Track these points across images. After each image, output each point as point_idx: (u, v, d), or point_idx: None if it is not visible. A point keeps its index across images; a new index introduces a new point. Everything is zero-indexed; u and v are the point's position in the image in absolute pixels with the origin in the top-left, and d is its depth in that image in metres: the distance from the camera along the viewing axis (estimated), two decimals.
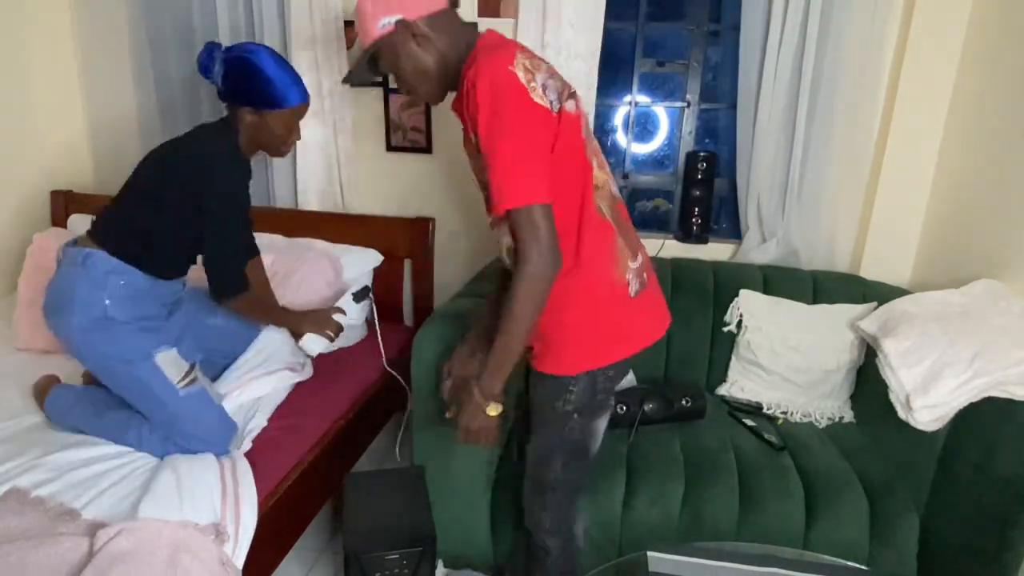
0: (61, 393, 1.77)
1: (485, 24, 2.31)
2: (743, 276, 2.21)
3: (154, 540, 1.33)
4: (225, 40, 2.43)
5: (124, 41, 2.56)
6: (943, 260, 2.14)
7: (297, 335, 1.87)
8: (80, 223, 2.51)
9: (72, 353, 1.68)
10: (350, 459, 2.10)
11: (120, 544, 1.30)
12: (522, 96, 1.24)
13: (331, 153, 2.50)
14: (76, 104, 2.70)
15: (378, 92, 2.48)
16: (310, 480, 1.79)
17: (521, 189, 1.24)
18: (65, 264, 1.65)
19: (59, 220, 2.65)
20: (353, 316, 1.95)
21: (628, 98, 2.54)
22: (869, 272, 2.26)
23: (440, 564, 1.87)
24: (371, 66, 1.41)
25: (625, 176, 2.61)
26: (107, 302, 1.60)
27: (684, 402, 1.96)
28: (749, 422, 1.99)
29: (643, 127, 2.61)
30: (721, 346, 2.18)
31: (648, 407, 1.92)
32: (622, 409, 1.91)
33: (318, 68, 2.38)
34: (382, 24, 1.34)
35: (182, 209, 1.62)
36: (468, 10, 2.34)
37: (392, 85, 2.45)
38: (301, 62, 2.36)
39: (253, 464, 1.63)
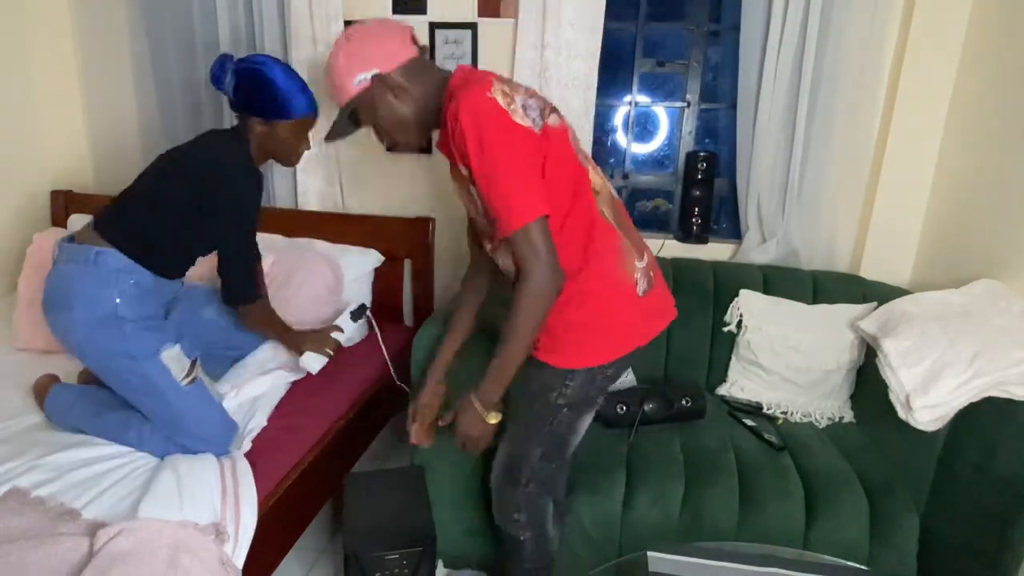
0: (61, 392, 1.77)
1: (486, 24, 2.35)
2: (743, 276, 2.21)
3: (154, 540, 1.33)
4: (225, 40, 2.44)
5: (124, 41, 2.56)
6: (943, 260, 2.14)
7: (297, 353, 1.91)
8: (80, 223, 2.49)
9: (71, 350, 1.68)
10: (350, 459, 2.10)
11: (120, 544, 1.30)
12: (504, 119, 1.29)
13: (331, 153, 2.51)
14: (76, 104, 2.70)
15: None
16: (310, 480, 1.79)
17: (516, 211, 1.28)
18: (66, 261, 1.65)
19: (59, 220, 2.65)
20: (350, 334, 2.01)
21: (628, 98, 2.55)
22: (869, 272, 2.25)
23: (440, 564, 1.87)
24: (351, 121, 1.45)
25: (625, 176, 2.62)
26: (117, 300, 1.60)
27: (684, 402, 1.96)
28: (749, 422, 1.99)
29: (643, 127, 2.61)
30: (721, 346, 2.18)
31: (648, 407, 1.92)
32: (622, 409, 1.91)
33: (318, 68, 2.38)
34: (358, 81, 1.38)
35: (191, 214, 1.66)
36: (468, 10, 2.35)
37: None
38: (301, 63, 2.36)
39: (253, 464, 1.63)
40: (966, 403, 1.60)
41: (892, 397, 1.70)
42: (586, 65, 2.26)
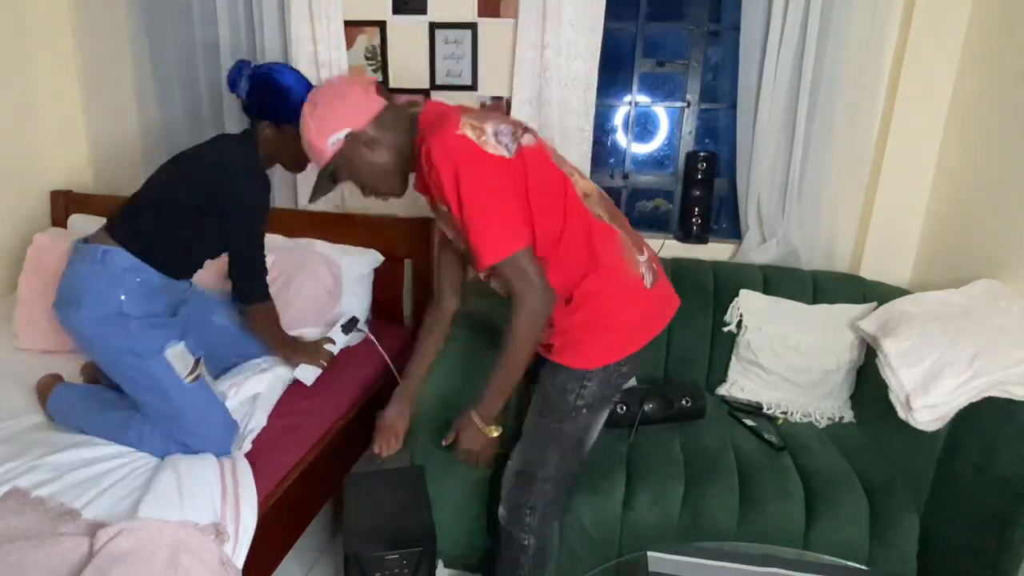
0: (63, 392, 1.78)
1: (486, 24, 2.35)
2: (743, 276, 2.21)
3: (154, 540, 1.33)
4: (225, 40, 2.44)
5: (124, 41, 2.56)
6: (943, 260, 2.14)
7: (292, 365, 1.95)
8: (80, 223, 2.51)
9: (82, 346, 1.71)
10: (350, 459, 2.10)
11: (120, 544, 1.30)
12: (476, 153, 1.32)
13: None
14: (76, 104, 2.70)
15: None
16: (310, 480, 1.79)
17: (498, 242, 1.32)
18: (78, 260, 1.68)
19: (59, 220, 2.65)
20: (342, 346, 2.05)
21: (628, 98, 2.55)
22: (869, 272, 2.25)
23: (440, 564, 1.87)
24: (331, 179, 1.49)
25: (625, 176, 2.61)
26: (123, 298, 1.63)
27: (684, 402, 1.96)
28: (749, 422, 1.99)
29: (643, 127, 2.61)
30: (721, 346, 2.18)
31: (648, 407, 1.92)
32: (622, 409, 1.91)
33: (318, 68, 2.38)
34: (332, 141, 1.41)
35: (201, 215, 1.69)
36: (468, 10, 2.35)
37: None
38: (301, 63, 2.36)
39: (253, 464, 1.63)
40: (966, 403, 1.60)
41: (892, 397, 1.70)
42: (586, 65, 2.26)
